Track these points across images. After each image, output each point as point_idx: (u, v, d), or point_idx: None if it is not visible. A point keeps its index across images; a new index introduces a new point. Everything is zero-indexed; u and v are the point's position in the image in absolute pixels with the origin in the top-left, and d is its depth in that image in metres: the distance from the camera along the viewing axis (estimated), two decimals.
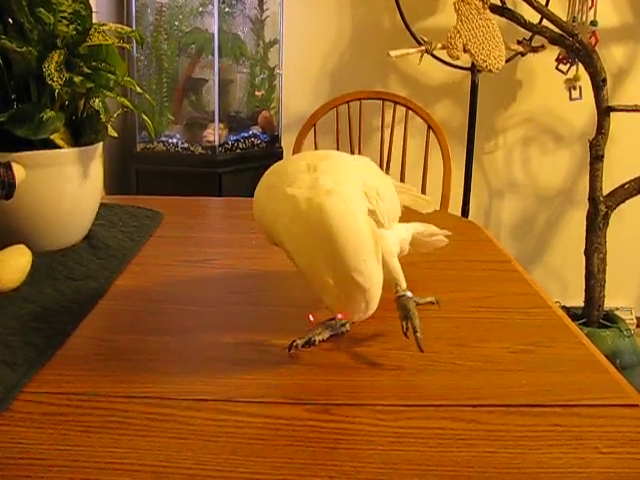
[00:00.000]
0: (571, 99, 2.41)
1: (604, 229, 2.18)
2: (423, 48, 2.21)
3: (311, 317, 0.64)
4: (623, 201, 2.17)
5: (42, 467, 0.48)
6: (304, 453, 0.50)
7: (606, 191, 2.17)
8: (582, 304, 2.26)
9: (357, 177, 0.66)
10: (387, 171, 2.27)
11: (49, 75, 0.84)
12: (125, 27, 1.02)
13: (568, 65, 2.39)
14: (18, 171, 0.83)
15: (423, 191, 2.21)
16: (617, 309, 2.57)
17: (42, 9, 0.86)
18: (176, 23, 2.26)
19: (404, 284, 0.71)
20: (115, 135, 1.03)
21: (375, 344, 0.67)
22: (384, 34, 2.57)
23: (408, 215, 0.80)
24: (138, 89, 1.03)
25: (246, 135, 2.39)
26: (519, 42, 2.34)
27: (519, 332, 0.74)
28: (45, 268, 0.86)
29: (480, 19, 2.16)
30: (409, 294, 0.70)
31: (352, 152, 2.26)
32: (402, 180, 2.21)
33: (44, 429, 0.53)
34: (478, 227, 1.17)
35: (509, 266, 0.95)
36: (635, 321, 2.80)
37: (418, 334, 0.65)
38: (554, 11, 2.16)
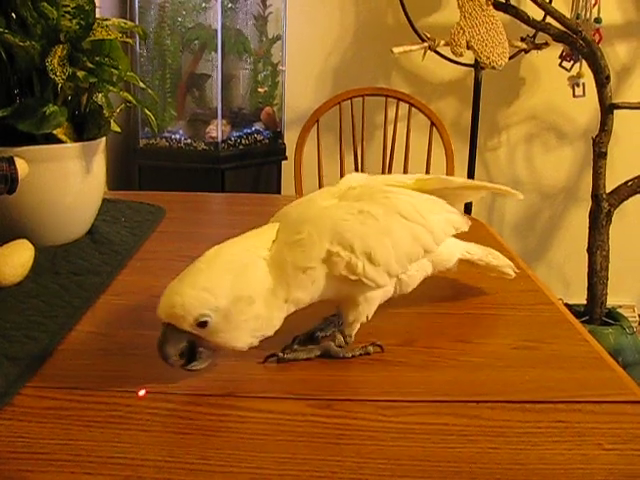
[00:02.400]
0: (574, 96, 2.41)
1: (607, 226, 2.18)
2: (426, 45, 2.20)
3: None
4: (626, 198, 2.16)
5: (44, 461, 0.48)
6: (307, 448, 0.50)
7: (609, 189, 2.17)
8: (585, 302, 2.26)
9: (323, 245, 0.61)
10: (390, 168, 2.27)
11: (52, 70, 0.84)
12: (128, 22, 1.02)
13: (572, 62, 2.39)
14: (21, 166, 0.83)
15: None
16: (620, 307, 2.57)
17: (45, 3, 0.86)
18: (179, 19, 2.26)
19: (349, 332, 0.66)
20: (118, 130, 1.03)
21: (377, 340, 0.67)
22: (387, 31, 2.57)
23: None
24: (141, 84, 1.03)
25: (249, 131, 2.39)
26: (522, 39, 2.33)
27: (522, 328, 0.73)
28: (48, 263, 0.86)
29: (483, 16, 2.15)
30: (339, 343, 0.65)
31: (354, 149, 2.26)
32: None
33: (46, 423, 0.53)
34: (481, 224, 1.17)
35: (512, 262, 0.95)
36: (638, 319, 2.79)
37: (281, 355, 0.63)
38: (558, 8, 2.15)
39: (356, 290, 0.64)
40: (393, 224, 0.65)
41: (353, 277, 0.62)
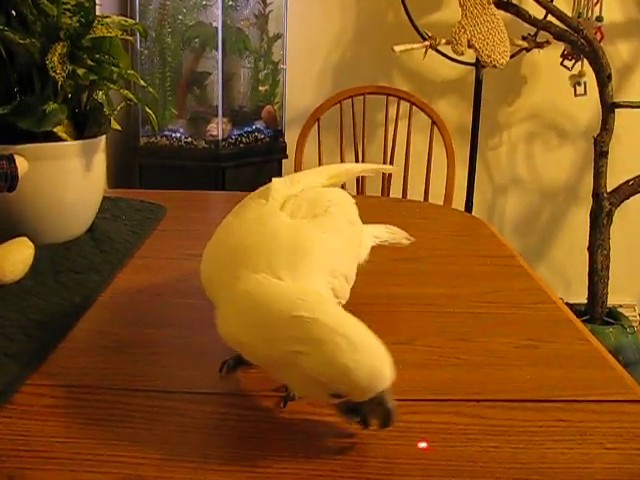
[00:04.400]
0: (576, 95, 2.40)
1: (608, 226, 2.18)
2: (427, 43, 2.20)
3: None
4: (627, 198, 2.17)
5: (44, 460, 0.48)
6: (307, 446, 0.50)
7: (610, 187, 2.17)
8: (585, 301, 2.26)
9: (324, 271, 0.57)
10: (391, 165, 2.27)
11: (52, 67, 0.84)
12: (129, 20, 1.02)
13: (573, 61, 2.38)
14: (21, 164, 0.82)
15: (427, 187, 2.21)
16: (620, 306, 2.57)
17: (45, 1, 0.85)
18: (180, 17, 2.26)
19: None
20: (118, 128, 1.03)
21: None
22: (388, 29, 2.56)
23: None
24: (141, 82, 1.03)
25: (249, 130, 2.39)
26: (524, 38, 2.33)
27: (523, 327, 0.73)
28: (48, 261, 0.86)
29: (485, 14, 2.15)
30: None
31: (355, 147, 2.26)
32: (406, 175, 2.21)
33: (46, 422, 0.53)
34: (482, 222, 1.17)
35: (513, 261, 0.95)
36: (638, 318, 2.79)
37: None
38: (559, 6, 2.15)
39: None
40: (349, 235, 0.64)
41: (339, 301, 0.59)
